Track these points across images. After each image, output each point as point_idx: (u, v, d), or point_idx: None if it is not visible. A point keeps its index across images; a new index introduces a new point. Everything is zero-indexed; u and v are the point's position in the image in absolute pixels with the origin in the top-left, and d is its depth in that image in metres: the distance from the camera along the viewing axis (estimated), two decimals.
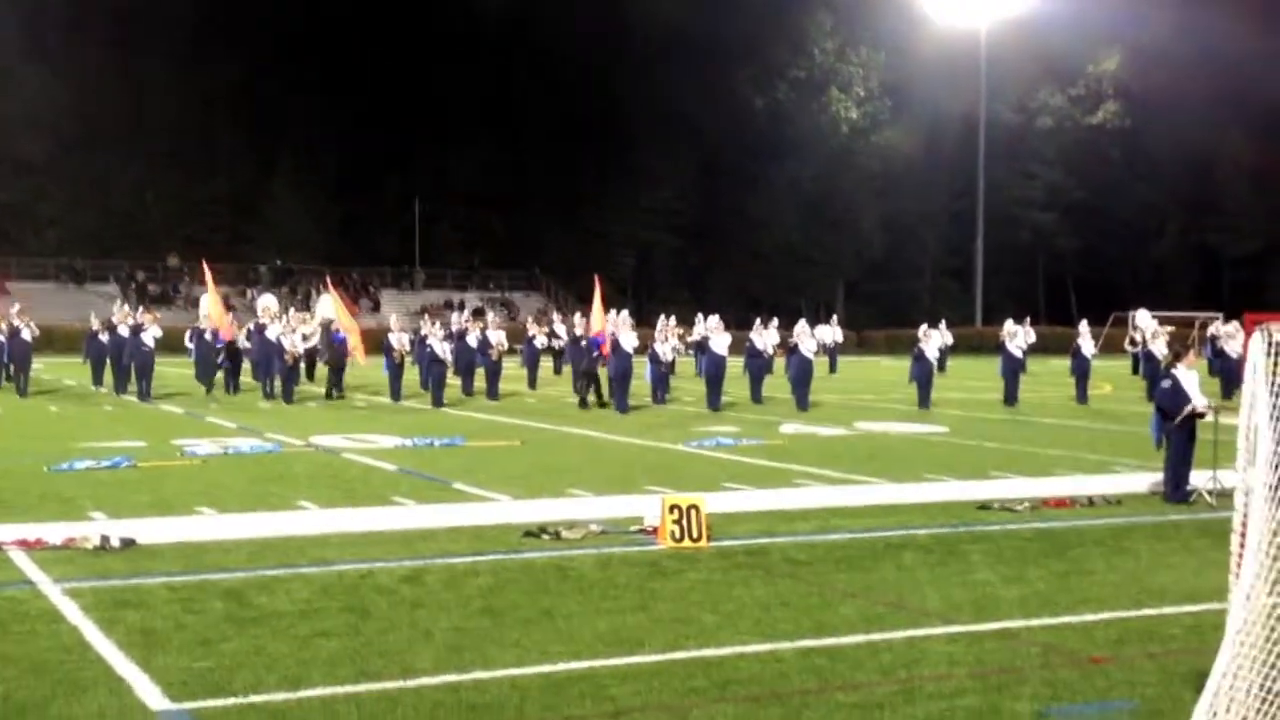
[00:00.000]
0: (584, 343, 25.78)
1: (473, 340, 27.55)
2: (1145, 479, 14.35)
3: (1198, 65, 68.83)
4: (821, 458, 17.21)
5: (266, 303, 29.82)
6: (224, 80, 68.93)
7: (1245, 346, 7.82)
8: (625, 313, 25.67)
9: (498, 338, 27.49)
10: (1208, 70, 69.08)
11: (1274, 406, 5.23)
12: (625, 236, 76.76)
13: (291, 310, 29.58)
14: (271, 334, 26.20)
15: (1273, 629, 5.14)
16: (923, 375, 26.17)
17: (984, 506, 12.89)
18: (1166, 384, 13.79)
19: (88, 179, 67.78)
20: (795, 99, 75.93)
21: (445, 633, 7.80)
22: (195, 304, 53.35)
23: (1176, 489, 13.36)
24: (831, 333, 44.29)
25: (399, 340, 26.32)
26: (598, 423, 22.27)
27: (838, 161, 75.08)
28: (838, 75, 76.46)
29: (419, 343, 27.37)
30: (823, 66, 76.37)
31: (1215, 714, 4.92)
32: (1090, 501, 13.23)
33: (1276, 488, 5.15)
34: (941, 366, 42.32)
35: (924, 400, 25.94)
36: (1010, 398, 26.95)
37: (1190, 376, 13.66)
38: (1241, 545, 5.22)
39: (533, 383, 30.93)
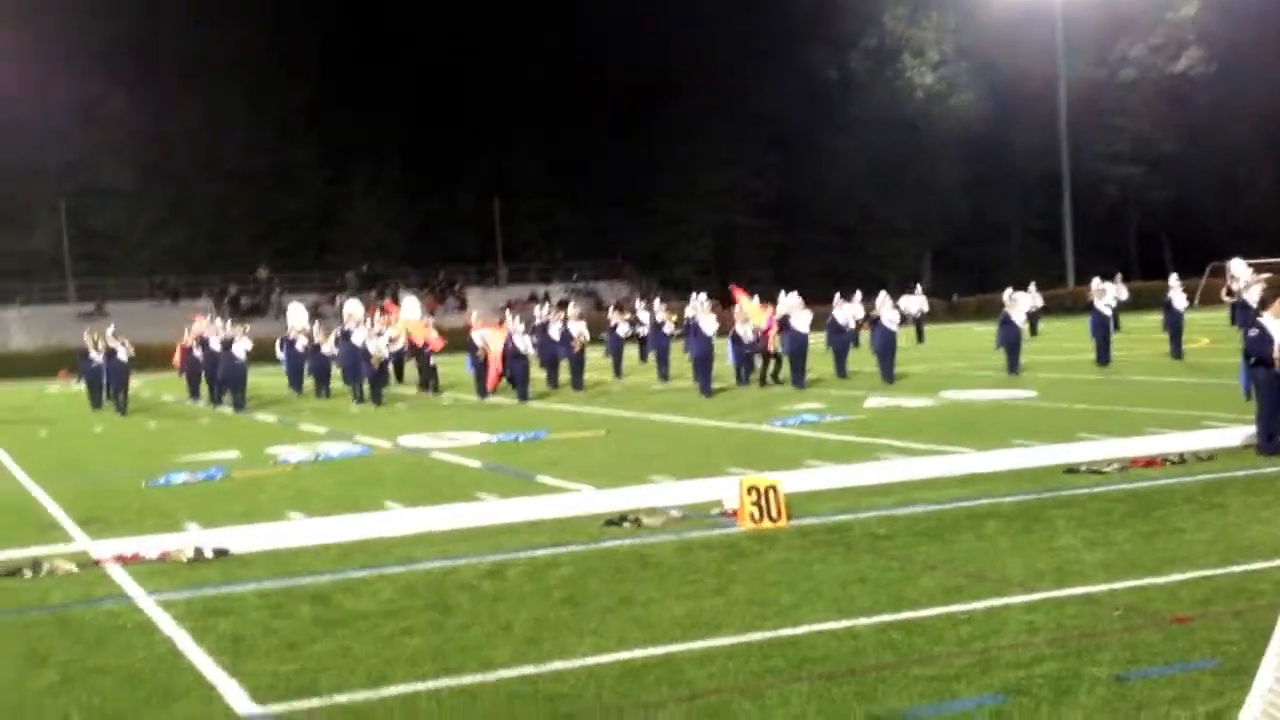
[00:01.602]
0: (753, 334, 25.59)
1: (555, 333, 27.73)
2: (1239, 432, 14.02)
3: (1274, 6, 66.73)
4: (906, 430, 17.07)
5: (351, 309, 30.29)
6: (294, 99, 70.30)
7: None
8: (704, 296, 25.70)
9: (579, 329, 27.63)
10: None
11: None
12: (703, 219, 76.66)
13: (378, 313, 29.98)
14: (357, 339, 26.63)
15: None
16: (1010, 340, 25.78)
17: (1071, 470, 12.73)
18: (1254, 332, 13.45)
19: (171, 201, 69.48)
20: (868, 68, 75.15)
21: (525, 624, 7.91)
22: (285, 314, 54.38)
23: (1269, 440, 13.05)
24: (917, 302, 43.87)
25: (481, 338, 26.58)
26: (682, 408, 22.32)
27: (915, 128, 74.18)
28: (910, 41, 75.49)
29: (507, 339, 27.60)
30: (894, 33, 75.44)
31: None
32: (1181, 459, 12.98)
33: None
34: (1033, 330, 41.77)
35: (1013, 365, 25.56)
36: (1102, 357, 26.48)
37: (1278, 324, 13.30)
38: None
39: (618, 371, 31.07)
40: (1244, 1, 70.29)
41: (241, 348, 26.42)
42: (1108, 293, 27.68)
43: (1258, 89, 72.31)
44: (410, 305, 31.81)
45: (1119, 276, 42.28)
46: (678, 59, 72.37)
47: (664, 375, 28.74)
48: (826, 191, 74.32)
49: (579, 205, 77.68)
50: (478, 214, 76.25)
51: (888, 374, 24.98)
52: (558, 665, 7.00)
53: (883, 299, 25.90)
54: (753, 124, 74.19)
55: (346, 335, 27.18)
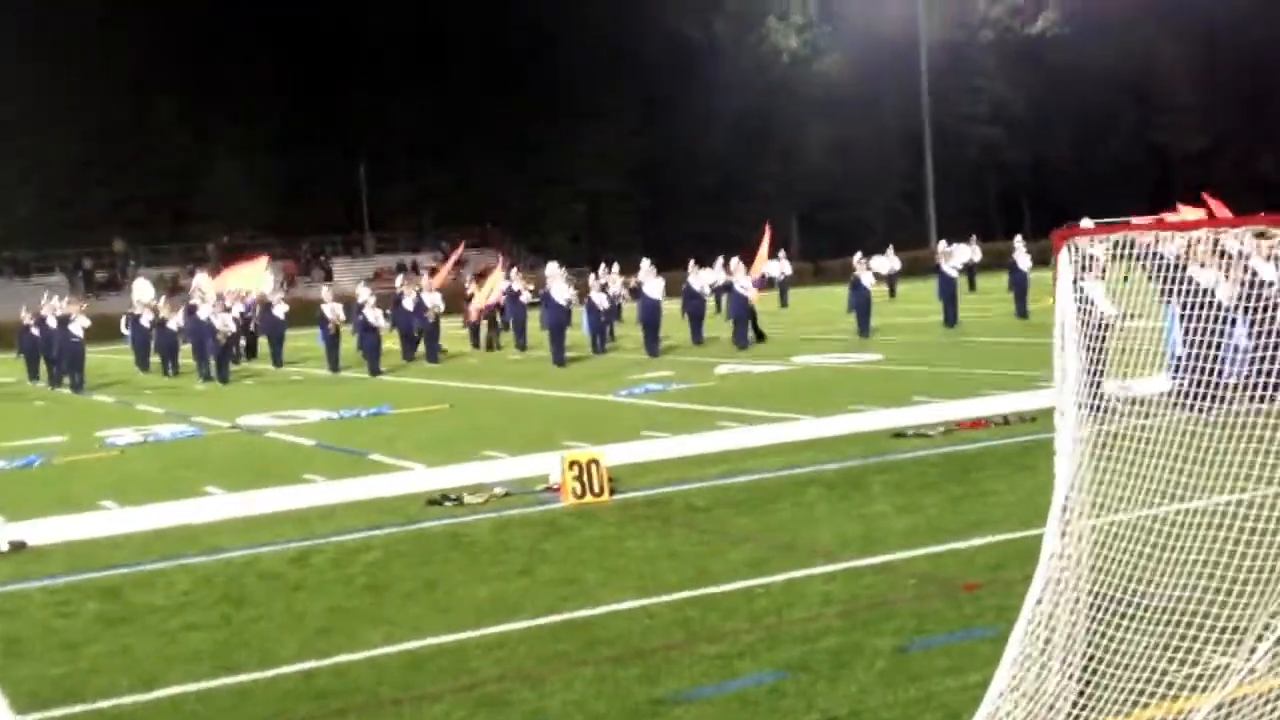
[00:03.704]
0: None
1: (408, 304, 27.25)
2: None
3: None
4: (750, 397, 17.12)
5: (199, 282, 29.40)
6: (152, 56, 67.20)
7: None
8: (555, 265, 25.48)
9: (434, 300, 27.19)
10: None
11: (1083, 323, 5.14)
12: (573, 183, 76.15)
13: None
14: (203, 314, 25.86)
15: (1094, 549, 5.07)
16: (861, 303, 26.07)
17: (899, 435, 12.84)
18: None
19: (20, 166, 66.07)
20: (733, 30, 75.23)
21: (319, 615, 7.68)
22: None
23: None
24: (780, 266, 44.13)
25: (332, 310, 26.02)
26: (532, 378, 22.11)
27: (780, 92, 74.55)
28: (774, 4, 75.74)
29: (355, 310, 27.06)
30: None
31: (1036, 637, 4.84)
32: (1005, 420, 13.18)
33: (1091, 407, 5.06)
34: (892, 292, 42.40)
35: (864, 329, 25.86)
36: (950, 319, 26.90)
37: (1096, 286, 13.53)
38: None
39: (475, 342, 30.65)
40: None
41: (79, 326, 25.49)
42: (954, 255, 28.13)
43: (1110, 51, 74.23)
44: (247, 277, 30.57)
45: (973, 238, 43.11)
46: (549, 20, 71.58)
47: (521, 345, 28.48)
48: (694, 156, 74.34)
49: (447, 169, 76.53)
50: (344, 181, 74.69)
51: (741, 339, 25.07)
52: (343, 658, 6.79)
53: (736, 264, 25.93)
54: (620, 86, 73.80)
55: (192, 310, 26.36)
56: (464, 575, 8.44)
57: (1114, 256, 5.36)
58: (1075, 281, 5.32)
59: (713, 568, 8.17)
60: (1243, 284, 13.52)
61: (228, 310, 27.02)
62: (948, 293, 27.20)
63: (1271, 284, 13.32)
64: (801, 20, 76.11)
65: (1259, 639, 4.64)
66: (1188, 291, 11.50)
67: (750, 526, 9.33)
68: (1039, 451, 11.51)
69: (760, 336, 26.41)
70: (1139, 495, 5.11)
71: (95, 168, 68.40)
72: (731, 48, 74.79)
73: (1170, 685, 4.83)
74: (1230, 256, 13.22)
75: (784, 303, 41.92)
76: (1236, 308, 13.16)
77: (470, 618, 7.39)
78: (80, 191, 68.87)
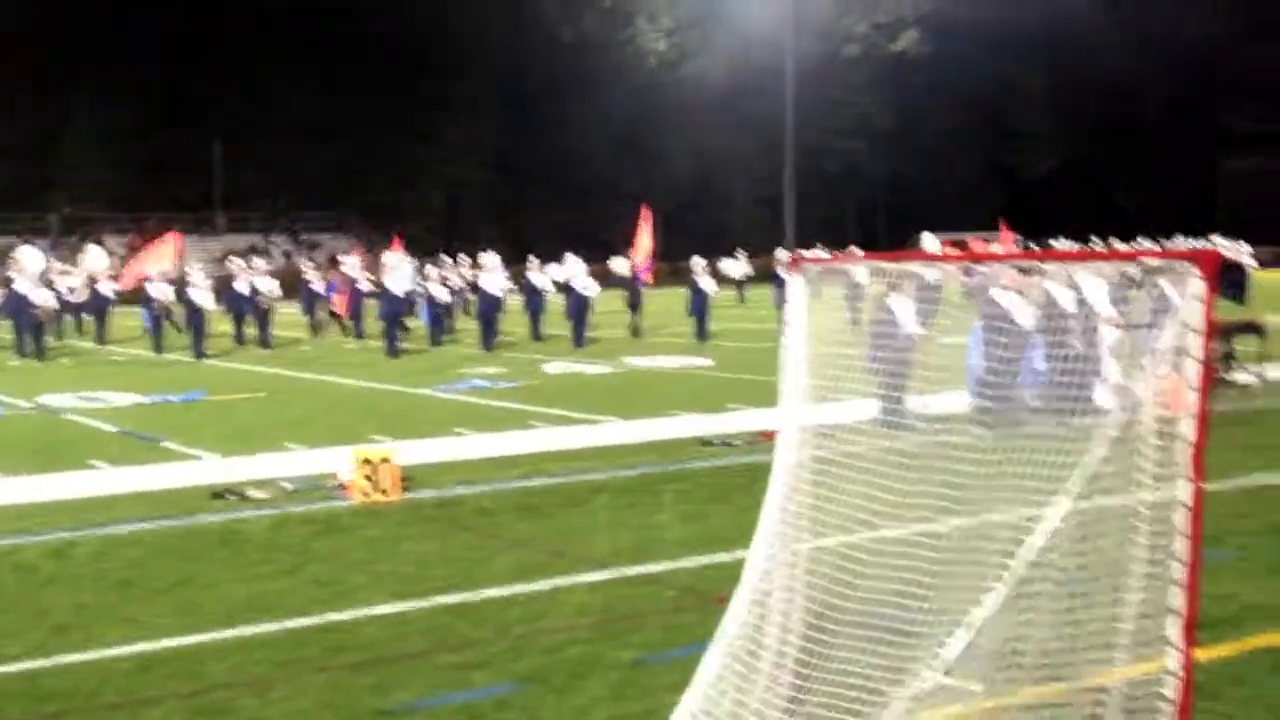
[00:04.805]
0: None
1: (242, 286, 26.60)
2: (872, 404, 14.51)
3: None
4: (572, 398, 17.06)
5: (21, 254, 28.25)
6: (6, 19, 64.72)
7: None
8: (390, 253, 25.11)
9: (268, 284, 26.58)
10: None
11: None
12: (435, 173, 75.37)
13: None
14: (21, 288, 24.86)
15: (807, 570, 5.11)
16: (699, 307, 26.24)
17: (705, 443, 12.89)
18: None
19: None
20: (602, 30, 75.27)
21: (63, 611, 7.39)
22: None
23: (893, 413, 13.55)
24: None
25: (159, 290, 25.25)
26: (359, 369, 21.76)
27: (647, 93, 74.84)
28: (645, 5, 75.98)
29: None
30: None
31: (739, 657, 4.87)
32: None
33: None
34: (741, 297, 42.83)
35: (701, 332, 26.02)
36: (700, 333, 26.11)
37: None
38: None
39: (314, 329, 30.11)
40: None
41: None
42: (735, 267, 27.81)
43: (969, 73, 76.24)
44: (96, 256, 29.82)
45: (739, 251, 43.66)
46: (416, 9, 70.70)
47: (359, 333, 28.04)
48: (559, 151, 74.21)
49: (307, 156, 75.05)
50: (199, 159, 72.75)
51: (579, 338, 25.04)
52: (74, 658, 6.54)
53: (573, 262, 25.89)
54: (488, 78, 73.28)
55: (8, 282, 25.32)
56: (225, 574, 8.21)
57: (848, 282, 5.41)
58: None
59: (480, 573, 8.08)
60: (1042, 310, 13.98)
61: (49, 284, 26.02)
62: (699, 307, 26.35)
63: (1069, 311, 13.76)
64: (671, 23, 76.50)
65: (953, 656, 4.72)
66: (991, 315, 11.74)
67: (531, 532, 9.27)
68: (865, 460, 11.73)
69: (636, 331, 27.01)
70: (853, 517, 5.16)
71: None
72: (601, 47, 74.84)
73: (880, 700, 4.89)
74: (1031, 283, 13.63)
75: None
76: (1036, 332, 13.60)
77: (218, 619, 7.18)
78: None
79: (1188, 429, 3.87)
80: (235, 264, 28.57)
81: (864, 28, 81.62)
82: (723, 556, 8.32)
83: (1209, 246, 39.78)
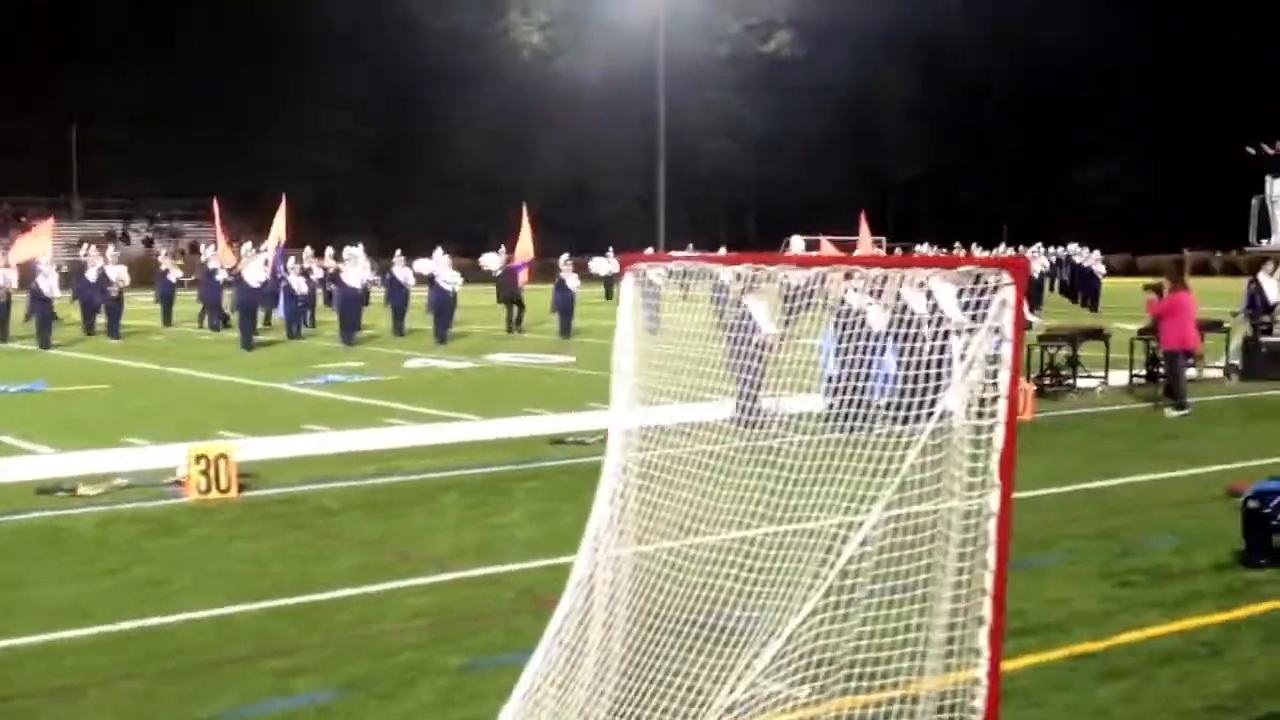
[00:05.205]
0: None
1: (91, 275, 25.68)
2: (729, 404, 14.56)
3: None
4: (430, 394, 16.81)
5: None
6: None
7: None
8: (249, 245, 24.50)
9: (118, 272, 25.72)
10: (868, 2, 72.22)
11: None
12: (304, 162, 73.87)
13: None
14: None
15: (632, 575, 5.04)
16: (564, 304, 26.13)
17: (558, 441, 12.78)
18: None
19: None
20: (474, 22, 74.63)
21: None
22: None
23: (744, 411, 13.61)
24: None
25: (2, 277, 24.25)
26: (212, 361, 21.13)
27: (521, 88, 74.42)
28: None
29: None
30: None
31: (559, 663, 4.78)
32: (663, 431, 13.30)
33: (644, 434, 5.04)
34: (609, 294, 42.74)
35: (565, 329, 25.90)
36: (564, 332, 26.08)
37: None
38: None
39: (166, 319, 29.12)
40: None
41: None
42: (604, 265, 27.76)
43: (838, 77, 77.41)
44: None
45: (610, 250, 43.74)
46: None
47: (214, 325, 27.29)
48: (432, 144, 73.43)
49: (169, 139, 72.98)
50: (58, 142, 70.22)
51: (441, 334, 24.71)
52: None
53: (438, 258, 25.57)
54: (358, 67, 72.09)
55: None
56: (47, 574, 7.86)
57: (676, 283, 5.36)
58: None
59: (316, 575, 7.86)
60: (893, 311, 14.18)
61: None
62: (563, 306, 26.42)
63: (920, 313, 13.98)
64: (545, 17, 76.21)
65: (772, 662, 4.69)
66: (842, 314, 11.66)
67: (373, 531, 9.06)
68: (693, 463, 11.72)
69: (517, 323, 27.26)
70: (676, 522, 5.12)
71: None
72: (474, 39, 74.20)
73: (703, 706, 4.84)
74: (882, 285, 13.81)
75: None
76: (887, 334, 13.76)
77: (33, 623, 6.85)
78: None
79: (998, 436, 3.88)
80: (88, 252, 27.59)
81: (736, 28, 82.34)
82: (569, 557, 8.13)
83: (1065, 254, 41.08)
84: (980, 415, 4.04)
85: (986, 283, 4.03)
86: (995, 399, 3.99)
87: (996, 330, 3.91)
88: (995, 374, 4.02)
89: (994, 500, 3.83)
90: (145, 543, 8.68)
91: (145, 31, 70.35)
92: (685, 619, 4.95)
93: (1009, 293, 3.88)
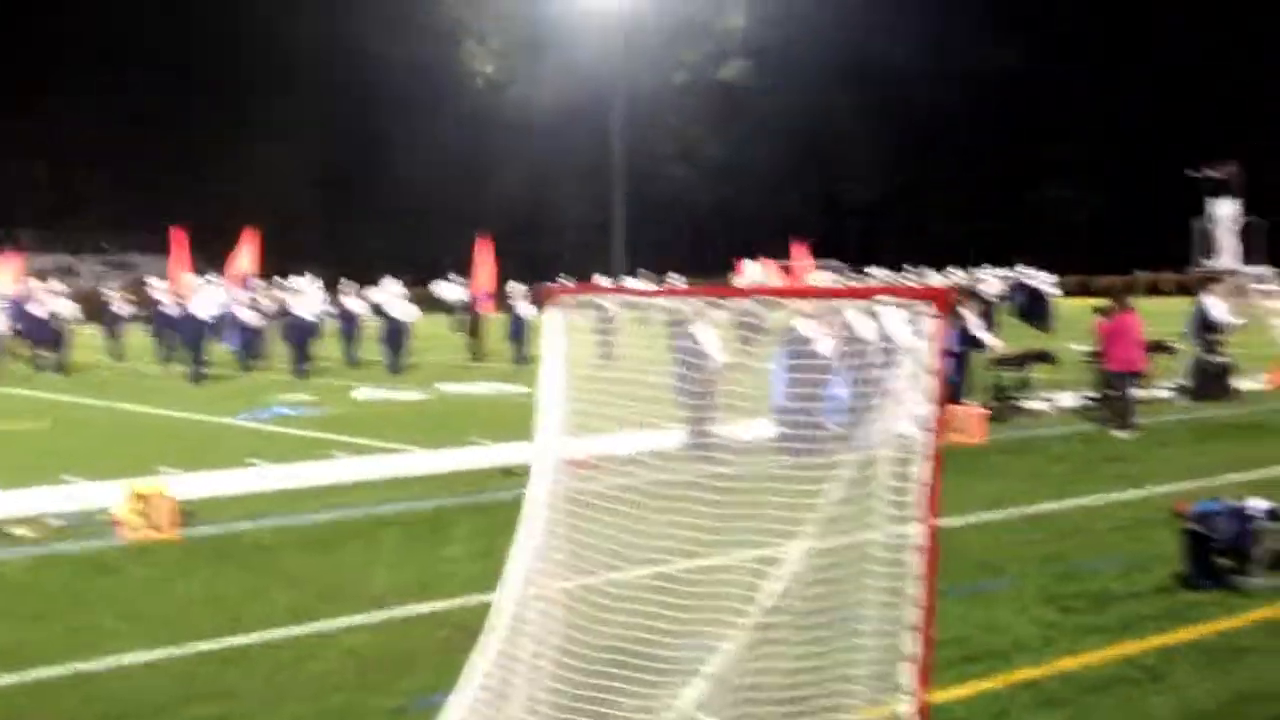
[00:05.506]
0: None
1: (38, 310, 25.33)
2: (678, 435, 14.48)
3: (814, 25, 72.35)
4: (379, 426, 16.61)
5: None
6: None
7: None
8: (199, 278, 24.26)
9: (66, 306, 25.36)
10: (823, 29, 72.78)
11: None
12: (259, 193, 73.47)
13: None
14: None
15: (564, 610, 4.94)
16: (518, 332, 26.00)
17: (508, 472, 12.62)
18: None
19: None
20: (428, 50, 74.57)
21: None
22: None
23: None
24: (461, 291, 43.45)
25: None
26: (158, 395, 20.85)
27: (476, 116, 74.42)
28: (472, 27, 75.63)
29: None
30: (453, 16, 75.27)
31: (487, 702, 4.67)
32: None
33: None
34: None
35: (519, 357, 25.75)
36: (519, 359, 25.77)
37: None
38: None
39: (115, 353, 28.82)
40: (784, 22, 75.39)
41: None
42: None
43: (794, 103, 77.87)
44: None
45: (517, 285, 43.43)
46: (240, 26, 69.01)
47: (164, 357, 26.94)
48: (388, 172, 73.22)
49: (124, 173, 72.43)
50: (4, 174, 69.47)
51: (393, 364, 24.51)
52: None
53: (393, 287, 25.41)
54: (314, 98, 71.86)
55: None
56: None
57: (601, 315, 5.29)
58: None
59: (250, 615, 7.69)
60: (842, 339, 14.16)
61: None
62: (515, 332, 26.41)
63: (868, 340, 13.96)
64: (500, 45, 76.27)
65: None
66: (791, 344, 11.68)
67: (310, 569, 8.90)
68: (618, 498, 11.62)
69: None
70: (596, 559, 5.02)
71: None
72: (429, 67, 74.12)
73: None
74: (832, 314, 13.80)
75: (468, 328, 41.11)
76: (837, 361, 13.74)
77: None
78: None
79: (923, 469, 3.81)
80: (32, 286, 27.23)
81: (693, 56, 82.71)
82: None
83: (1016, 275, 41.29)
84: (904, 446, 3.98)
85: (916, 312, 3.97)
86: (923, 430, 3.93)
87: (917, 361, 3.86)
88: (919, 404, 3.96)
89: (917, 532, 3.76)
90: (78, 584, 8.48)
91: (96, 67, 69.80)
92: (609, 658, 4.85)
93: (930, 324, 3.82)
